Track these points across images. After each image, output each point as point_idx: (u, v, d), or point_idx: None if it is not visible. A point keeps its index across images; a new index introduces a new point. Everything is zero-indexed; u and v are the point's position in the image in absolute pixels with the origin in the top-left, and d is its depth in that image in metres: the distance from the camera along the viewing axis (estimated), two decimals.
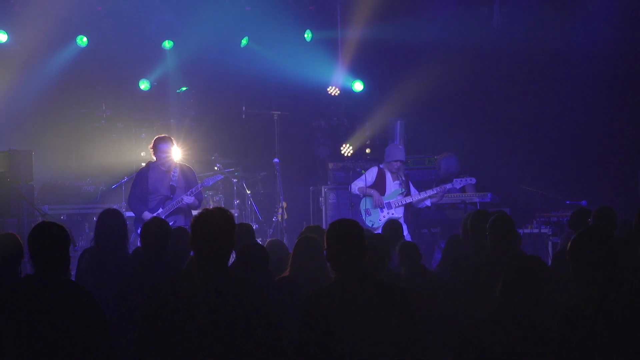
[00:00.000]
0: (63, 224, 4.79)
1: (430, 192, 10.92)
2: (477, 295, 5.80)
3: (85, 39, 13.64)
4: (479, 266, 6.05)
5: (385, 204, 10.89)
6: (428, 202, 11.09)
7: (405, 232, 10.42)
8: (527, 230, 11.30)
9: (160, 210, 10.02)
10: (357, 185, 11.08)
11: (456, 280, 6.36)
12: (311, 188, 13.16)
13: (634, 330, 4.21)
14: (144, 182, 10.27)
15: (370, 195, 10.95)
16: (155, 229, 6.19)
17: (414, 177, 12.00)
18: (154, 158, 10.39)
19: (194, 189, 10.13)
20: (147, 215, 9.80)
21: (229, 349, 4.15)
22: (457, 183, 10.97)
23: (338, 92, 14.18)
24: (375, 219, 10.85)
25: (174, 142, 10.38)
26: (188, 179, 10.35)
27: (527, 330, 4.39)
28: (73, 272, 7.01)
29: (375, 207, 10.91)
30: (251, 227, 7.60)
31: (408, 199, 10.93)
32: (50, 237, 4.58)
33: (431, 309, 5.97)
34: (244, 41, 14.03)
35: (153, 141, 10.48)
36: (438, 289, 6.48)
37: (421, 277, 6.63)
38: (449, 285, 6.46)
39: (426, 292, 6.23)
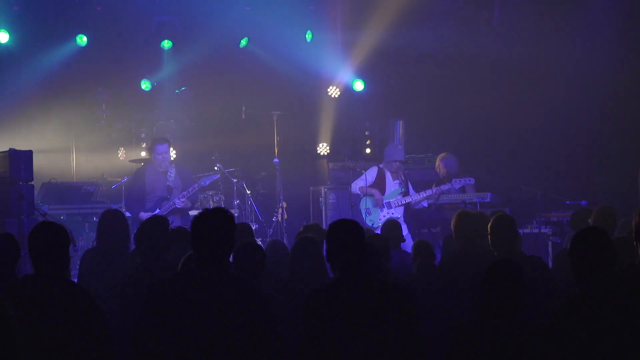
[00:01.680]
0: (63, 224, 4.78)
1: (426, 193, 10.94)
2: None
3: (85, 38, 13.63)
4: (478, 266, 6.06)
5: (385, 203, 10.91)
6: (425, 203, 11.10)
7: (406, 232, 10.43)
8: (527, 230, 11.30)
9: (158, 211, 10.04)
10: (357, 185, 11.10)
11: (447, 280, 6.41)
12: (311, 188, 13.16)
13: (631, 329, 4.22)
14: (140, 182, 10.31)
15: (371, 195, 10.96)
16: (153, 228, 6.18)
17: (414, 177, 12.00)
18: (152, 157, 10.45)
19: (187, 191, 10.17)
20: (143, 216, 9.84)
21: (229, 349, 4.15)
22: (456, 183, 10.98)
23: (338, 93, 14.19)
24: (376, 219, 10.86)
25: (171, 143, 10.43)
26: (185, 179, 10.39)
27: (514, 329, 4.35)
28: (75, 273, 7.02)
29: (375, 206, 10.92)
30: (250, 226, 7.60)
31: (407, 199, 10.95)
32: (50, 237, 4.58)
33: (438, 306, 5.98)
34: (244, 42, 14.02)
35: (150, 142, 10.54)
36: (447, 287, 6.50)
37: (432, 275, 6.64)
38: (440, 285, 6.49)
39: (435, 290, 6.26)
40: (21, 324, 4.36)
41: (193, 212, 10.32)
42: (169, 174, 10.29)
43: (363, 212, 10.97)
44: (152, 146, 10.39)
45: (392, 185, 11.01)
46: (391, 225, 8.12)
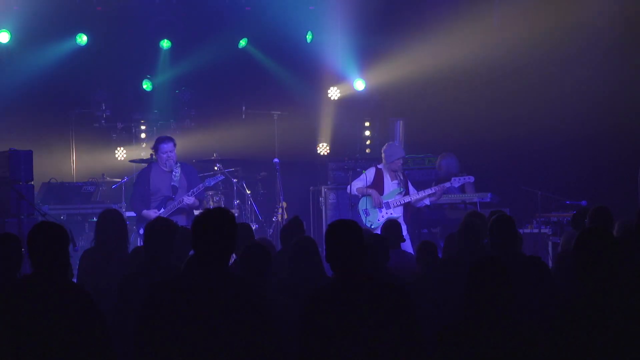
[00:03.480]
0: (63, 224, 4.78)
1: (428, 191, 10.91)
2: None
3: (85, 37, 13.64)
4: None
5: (384, 203, 10.88)
6: (427, 201, 11.07)
7: (405, 232, 10.42)
8: (527, 230, 11.30)
9: (162, 210, 10.03)
10: (355, 186, 11.06)
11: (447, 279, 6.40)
12: (311, 188, 13.16)
13: (633, 330, 4.22)
14: (145, 182, 10.29)
15: (369, 195, 10.93)
16: (160, 229, 6.19)
17: (414, 177, 12.00)
18: (155, 158, 10.43)
19: (195, 189, 10.16)
20: (148, 213, 9.85)
21: (228, 350, 4.15)
22: (456, 182, 10.97)
23: (338, 94, 14.21)
24: (374, 219, 10.83)
25: (175, 143, 10.42)
26: (190, 178, 10.38)
27: (500, 328, 4.33)
28: (75, 273, 7.01)
29: (374, 207, 10.90)
30: (250, 227, 7.60)
31: (407, 199, 10.91)
32: (50, 237, 4.58)
33: (439, 307, 5.98)
34: (243, 42, 14.04)
35: (154, 141, 10.51)
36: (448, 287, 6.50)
37: (437, 275, 6.63)
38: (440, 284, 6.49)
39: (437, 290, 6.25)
40: (20, 324, 4.37)
41: (197, 212, 10.31)
42: (173, 173, 10.27)
43: (362, 213, 10.94)
44: (157, 145, 10.36)
45: (390, 185, 10.99)
46: (391, 225, 8.10)
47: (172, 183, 10.24)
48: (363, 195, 11.01)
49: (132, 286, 5.71)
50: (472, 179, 11.16)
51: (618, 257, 4.41)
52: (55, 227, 4.65)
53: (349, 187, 11.17)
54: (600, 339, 4.23)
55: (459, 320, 4.43)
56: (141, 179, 10.45)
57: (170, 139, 10.40)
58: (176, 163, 10.34)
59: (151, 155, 11.05)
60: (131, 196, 10.47)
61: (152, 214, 9.75)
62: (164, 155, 10.25)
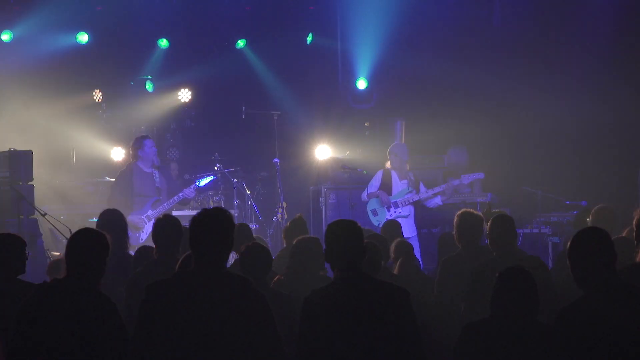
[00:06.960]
0: (104, 232, 4.75)
1: (438, 189, 10.83)
2: (475, 296, 5.81)
3: (85, 36, 13.66)
4: (479, 266, 6.06)
5: (392, 203, 10.84)
6: (439, 201, 10.95)
7: (415, 232, 10.45)
8: (527, 230, 11.29)
9: (150, 212, 9.99)
10: (366, 192, 11.07)
11: (447, 280, 6.40)
12: (311, 188, 13.15)
13: (632, 331, 4.22)
14: (128, 184, 10.15)
15: (377, 196, 10.91)
16: (169, 228, 6.21)
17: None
18: (138, 157, 10.26)
19: (194, 185, 10.22)
20: (133, 219, 9.78)
21: (227, 348, 4.15)
22: (466, 179, 10.88)
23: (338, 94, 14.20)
24: (382, 219, 10.77)
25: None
26: (168, 180, 10.42)
27: (524, 333, 4.35)
28: None
29: (382, 206, 10.86)
30: (248, 227, 7.60)
31: (415, 197, 10.83)
32: (89, 244, 4.58)
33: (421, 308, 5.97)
34: (241, 43, 14.05)
35: (135, 141, 10.37)
36: (428, 287, 6.53)
37: (413, 276, 6.65)
38: (440, 285, 6.48)
39: (417, 291, 6.25)
40: (42, 328, 4.37)
41: (191, 212, 10.32)
42: (154, 174, 10.22)
43: (370, 213, 10.93)
44: (141, 142, 10.28)
45: (399, 185, 10.96)
46: (391, 225, 8.11)
47: (156, 185, 10.18)
48: (373, 197, 11.00)
49: (139, 285, 5.70)
50: (482, 175, 11.02)
51: (614, 257, 4.40)
52: (97, 235, 4.64)
53: (362, 194, 11.16)
54: (598, 339, 4.23)
55: (481, 321, 4.44)
56: (124, 181, 10.26)
57: (148, 135, 10.47)
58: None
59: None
60: (110, 198, 10.25)
61: (137, 218, 9.82)
62: (152, 150, 10.20)
